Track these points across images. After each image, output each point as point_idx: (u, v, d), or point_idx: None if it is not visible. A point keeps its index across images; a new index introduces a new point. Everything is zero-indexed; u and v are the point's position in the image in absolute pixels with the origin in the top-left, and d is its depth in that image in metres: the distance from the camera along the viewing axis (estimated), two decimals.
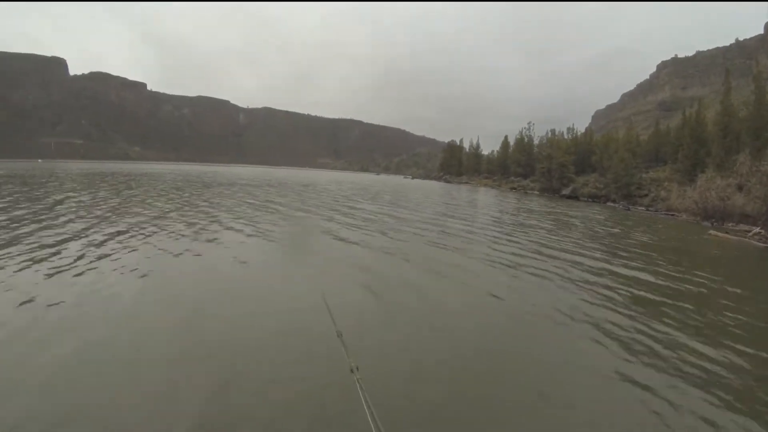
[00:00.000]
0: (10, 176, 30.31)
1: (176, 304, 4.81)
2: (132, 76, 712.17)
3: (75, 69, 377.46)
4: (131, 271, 6.12)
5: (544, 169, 48.19)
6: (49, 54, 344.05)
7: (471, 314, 5.26)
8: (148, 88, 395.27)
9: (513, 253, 9.22)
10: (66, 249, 7.22)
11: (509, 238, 11.48)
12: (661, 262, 9.30)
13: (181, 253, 7.32)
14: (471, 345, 4.28)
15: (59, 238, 8.07)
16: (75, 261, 6.49)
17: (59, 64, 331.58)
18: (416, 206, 19.81)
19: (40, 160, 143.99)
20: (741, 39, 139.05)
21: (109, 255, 6.94)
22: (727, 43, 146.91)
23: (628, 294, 6.62)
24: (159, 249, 7.56)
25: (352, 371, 2.05)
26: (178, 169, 71.60)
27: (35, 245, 7.40)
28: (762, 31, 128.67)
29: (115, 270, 6.12)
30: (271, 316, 4.66)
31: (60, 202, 14.43)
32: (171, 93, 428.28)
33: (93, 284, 5.41)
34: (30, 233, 8.50)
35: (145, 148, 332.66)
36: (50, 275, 5.71)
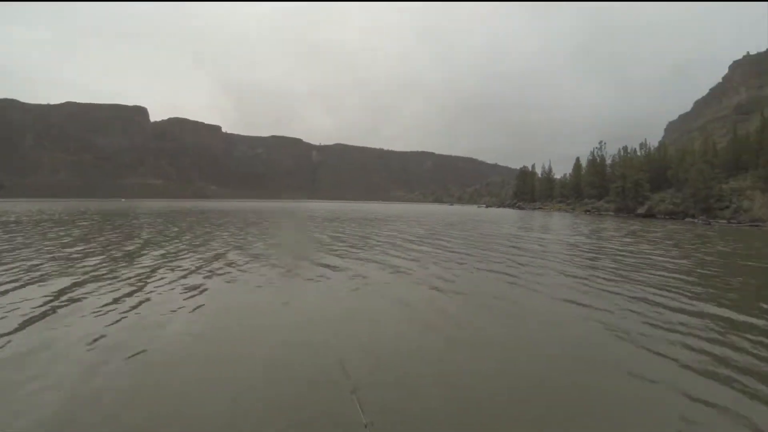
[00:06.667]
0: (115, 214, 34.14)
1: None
2: (209, 121, 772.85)
3: (156, 116, 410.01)
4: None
5: (618, 188, 47.49)
6: (131, 104, 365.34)
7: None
8: (223, 130, 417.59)
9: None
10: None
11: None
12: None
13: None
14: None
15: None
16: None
17: (140, 111, 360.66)
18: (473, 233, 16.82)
19: (123, 200, 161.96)
20: None
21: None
22: None
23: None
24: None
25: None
26: (253, 206, 70.09)
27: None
28: None
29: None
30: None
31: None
32: (245, 134, 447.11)
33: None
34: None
35: (221, 187, 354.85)
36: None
